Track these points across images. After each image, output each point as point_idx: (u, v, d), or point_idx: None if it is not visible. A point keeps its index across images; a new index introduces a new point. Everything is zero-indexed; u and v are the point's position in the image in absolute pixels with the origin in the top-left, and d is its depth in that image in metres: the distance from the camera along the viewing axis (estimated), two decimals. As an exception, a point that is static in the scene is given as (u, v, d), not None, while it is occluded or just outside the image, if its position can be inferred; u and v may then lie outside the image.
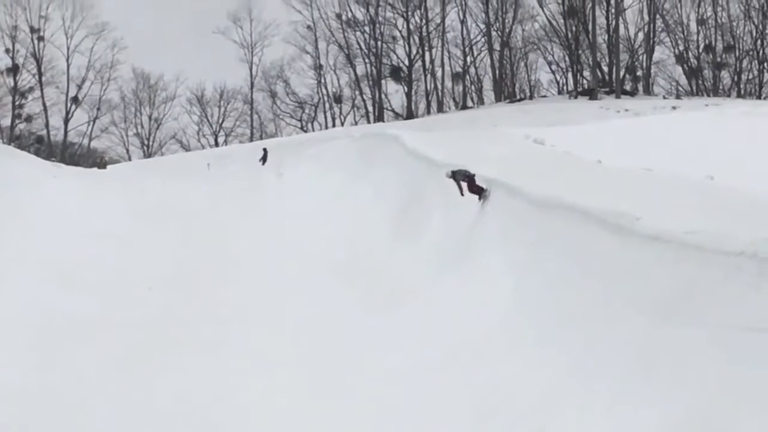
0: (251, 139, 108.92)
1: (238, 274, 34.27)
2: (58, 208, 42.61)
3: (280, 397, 20.94)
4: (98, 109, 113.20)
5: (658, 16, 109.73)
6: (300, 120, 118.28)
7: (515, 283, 23.13)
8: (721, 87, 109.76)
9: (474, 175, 29.07)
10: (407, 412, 18.97)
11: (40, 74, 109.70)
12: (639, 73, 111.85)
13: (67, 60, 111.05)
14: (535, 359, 18.92)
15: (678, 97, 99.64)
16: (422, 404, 19.10)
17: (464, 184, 29.20)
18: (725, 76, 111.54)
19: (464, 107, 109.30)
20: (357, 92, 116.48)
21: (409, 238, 32.78)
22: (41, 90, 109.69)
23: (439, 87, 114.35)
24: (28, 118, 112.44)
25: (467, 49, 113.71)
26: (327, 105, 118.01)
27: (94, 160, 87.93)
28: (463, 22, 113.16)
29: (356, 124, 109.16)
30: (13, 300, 28.65)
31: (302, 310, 28.69)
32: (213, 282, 33.26)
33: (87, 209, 44.09)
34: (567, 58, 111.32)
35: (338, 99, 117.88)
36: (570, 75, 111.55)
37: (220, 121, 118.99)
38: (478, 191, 28.95)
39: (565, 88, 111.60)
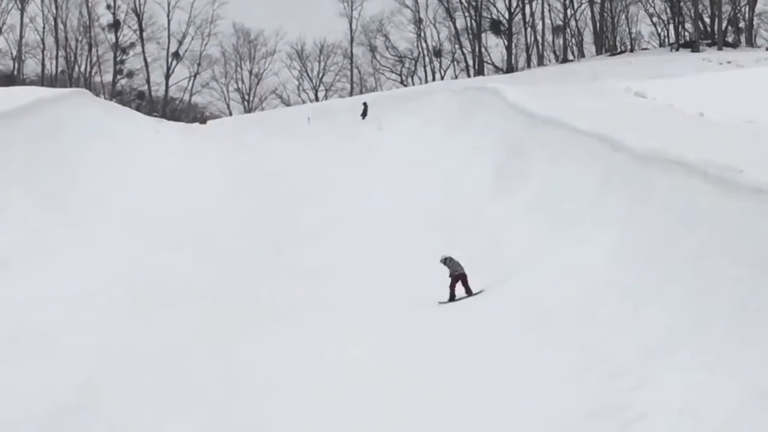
0: (351, 94, 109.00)
1: (337, 228, 34.66)
2: (160, 164, 43.35)
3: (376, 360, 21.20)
4: (199, 64, 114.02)
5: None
6: (400, 74, 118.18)
7: (617, 237, 23.10)
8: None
9: (465, 275, 25.62)
10: (511, 373, 19.08)
11: (141, 30, 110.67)
12: (741, 24, 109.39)
13: (168, 15, 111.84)
14: (636, 315, 18.96)
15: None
16: (526, 365, 19.21)
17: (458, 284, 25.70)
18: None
19: (564, 60, 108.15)
20: (457, 46, 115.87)
21: (508, 191, 32.80)
22: (142, 46, 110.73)
23: (539, 40, 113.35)
24: (130, 74, 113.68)
25: (567, 2, 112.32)
26: (426, 59, 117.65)
27: (195, 115, 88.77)
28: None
29: (456, 78, 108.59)
30: (114, 257, 29.33)
31: (397, 265, 29.08)
32: (314, 237, 33.69)
33: (188, 165, 44.80)
34: (668, 10, 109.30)
35: (438, 53, 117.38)
36: (671, 27, 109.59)
37: (320, 75, 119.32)
38: (467, 290, 25.55)
39: (666, 40, 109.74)
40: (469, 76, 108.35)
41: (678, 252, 19.63)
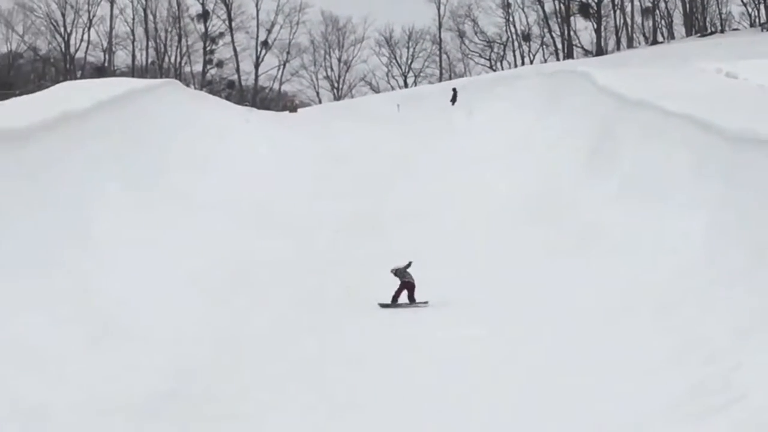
0: (440, 80, 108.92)
1: (428, 214, 34.73)
2: (249, 152, 43.71)
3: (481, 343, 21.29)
4: (288, 52, 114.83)
5: None
6: (488, 59, 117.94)
7: (707, 219, 22.90)
8: None
9: (414, 285, 25.11)
10: (612, 352, 19.03)
11: (230, 19, 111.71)
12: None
13: (257, 5, 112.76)
14: (729, 296, 18.78)
15: None
16: (624, 344, 19.16)
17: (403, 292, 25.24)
18: None
19: (654, 42, 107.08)
20: (545, 30, 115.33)
21: (600, 174, 32.61)
22: (231, 35, 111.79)
23: (629, 22, 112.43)
24: (219, 64, 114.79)
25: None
26: (515, 43, 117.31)
27: (285, 103, 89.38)
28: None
29: (545, 62, 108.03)
30: (214, 244, 29.70)
31: (487, 248, 29.13)
32: (406, 221, 33.81)
33: (278, 153, 45.10)
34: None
35: (527, 37, 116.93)
36: (762, 7, 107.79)
37: (409, 62, 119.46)
38: (410, 298, 25.16)
39: (757, 20, 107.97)
40: (558, 59, 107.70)
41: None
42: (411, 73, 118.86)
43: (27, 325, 19.42)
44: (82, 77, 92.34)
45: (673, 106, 30.47)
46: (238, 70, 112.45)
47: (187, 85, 77.33)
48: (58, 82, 61.98)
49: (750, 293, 18.05)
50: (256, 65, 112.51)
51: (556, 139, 40.23)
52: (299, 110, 71.46)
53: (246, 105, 73.88)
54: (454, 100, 60.35)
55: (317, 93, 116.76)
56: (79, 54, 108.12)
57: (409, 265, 25.51)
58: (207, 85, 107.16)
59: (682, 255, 22.52)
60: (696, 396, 15.35)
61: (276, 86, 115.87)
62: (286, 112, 68.21)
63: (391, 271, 25.45)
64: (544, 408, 16.79)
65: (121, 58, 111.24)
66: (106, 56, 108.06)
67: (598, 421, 15.81)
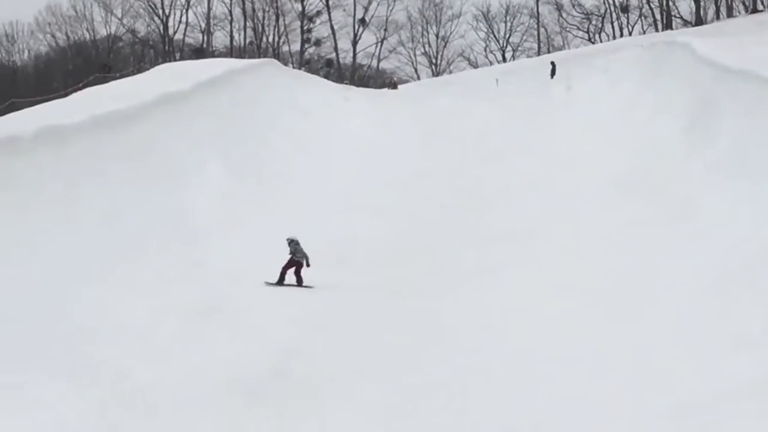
0: (538, 53, 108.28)
1: (527, 188, 34.64)
2: (349, 130, 43.92)
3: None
4: (385, 29, 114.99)
5: None
6: (587, 32, 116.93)
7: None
8: None
9: (302, 264, 24.34)
10: (720, 322, 18.90)
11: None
12: None
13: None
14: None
15: None
16: (713, 322, 19.01)
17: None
18: None
19: (754, 11, 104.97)
20: (644, 1, 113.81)
21: (699, 148, 32.15)
22: (328, 13, 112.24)
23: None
24: (317, 42, 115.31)
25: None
26: (614, 15, 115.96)
27: (384, 81, 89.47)
28: None
29: (644, 33, 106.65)
30: (316, 224, 29.88)
31: (585, 221, 29.02)
32: (506, 198, 33.76)
33: (377, 130, 45.24)
34: None
35: (625, 9, 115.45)
36: None
37: (507, 36, 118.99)
38: (298, 280, 24.50)
39: None
40: (656, 30, 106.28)
41: None
42: (509, 48, 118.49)
43: (132, 308, 19.82)
44: (181, 59, 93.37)
45: (773, 75, 29.93)
46: (335, 48, 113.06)
47: (285, 64, 77.73)
48: (157, 64, 62.77)
49: None
50: (354, 43, 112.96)
51: (654, 111, 39.73)
52: (400, 87, 71.48)
53: (345, 83, 74.13)
54: (552, 73, 59.97)
55: (415, 69, 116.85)
56: (178, 36, 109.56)
57: (297, 243, 24.65)
58: (305, 64, 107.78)
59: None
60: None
61: (374, 63, 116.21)
62: (386, 89, 68.34)
63: (287, 240, 24.71)
64: (641, 378, 16.82)
65: (220, 38, 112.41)
66: (205, 37, 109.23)
67: (696, 394, 15.76)
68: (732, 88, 32.50)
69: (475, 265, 26.10)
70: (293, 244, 24.55)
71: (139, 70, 53.75)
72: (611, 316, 20.80)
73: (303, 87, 48.68)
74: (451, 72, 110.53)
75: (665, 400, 15.74)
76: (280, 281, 24.19)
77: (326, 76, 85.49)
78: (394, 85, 70.06)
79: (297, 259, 24.41)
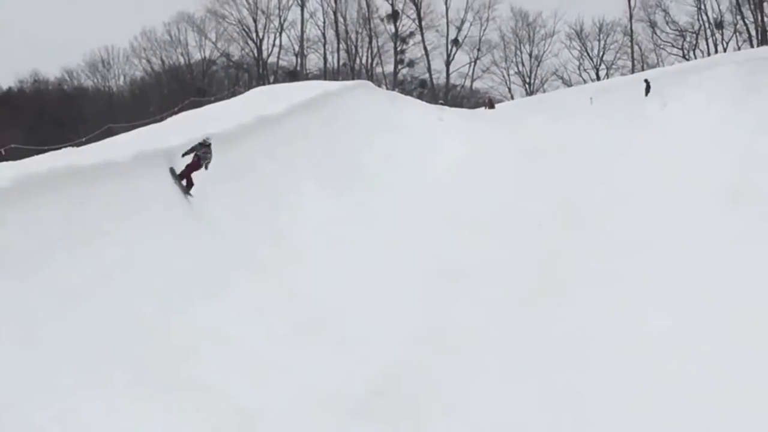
0: (632, 71, 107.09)
1: (626, 205, 34.46)
2: (444, 149, 43.93)
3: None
4: (478, 49, 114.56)
5: None
6: (681, 48, 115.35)
7: None
8: None
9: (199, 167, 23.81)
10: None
11: (420, 18, 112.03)
12: None
13: (446, 3, 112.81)
14: None
15: None
16: None
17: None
18: None
19: None
20: (738, 17, 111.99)
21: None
22: (422, 34, 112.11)
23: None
24: (410, 63, 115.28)
25: None
26: (708, 32, 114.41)
27: (477, 100, 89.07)
28: None
29: (738, 49, 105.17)
30: (412, 242, 30.01)
31: (687, 237, 28.87)
32: (608, 213, 33.65)
33: (472, 149, 45.20)
34: None
35: (719, 25, 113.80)
36: None
37: (600, 54, 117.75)
38: (188, 182, 24.06)
39: None
40: (752, 46, 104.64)
41: None
42: (602, 66, 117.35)
43: (237, 329, 20.10)
44: (275, 81, 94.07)
45: None
46: (429, 68, 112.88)
47: (379, 85, 78.04)
48: (251, 87, 63.46)
49: None
50: (447, 63, 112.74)
51: (751, 128, 39.26)
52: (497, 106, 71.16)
53: (439, 103, 74.09)
54: (647, 91, 59.38)
55: (509, 88, 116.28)
56: (272, 59, 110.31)
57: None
58: (399, 84, 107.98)
59: None
60: None
61: (467, 83, 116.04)
62: (482, 109, 68.11)
63: (199, 144, 24.25)
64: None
65: (313, 61, 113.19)
66: (298, 60, 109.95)
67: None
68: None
69: (588, 278, 26.10)
70: (202, 146, 24.16)
71: (234, 94, 54.36)
72: (724, 331, 20.80)
73: (397, 108, 48.88)
74: (545, 91, 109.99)
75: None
76: (182, 179, 23.95)
77: (420, 97, 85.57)
78: (491, 104, 69.57)
79: (202, 162, 24.01)
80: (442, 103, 75.27)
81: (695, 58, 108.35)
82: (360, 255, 27.58)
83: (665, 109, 52.37)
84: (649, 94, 58.67)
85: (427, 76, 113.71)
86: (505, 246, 30.20)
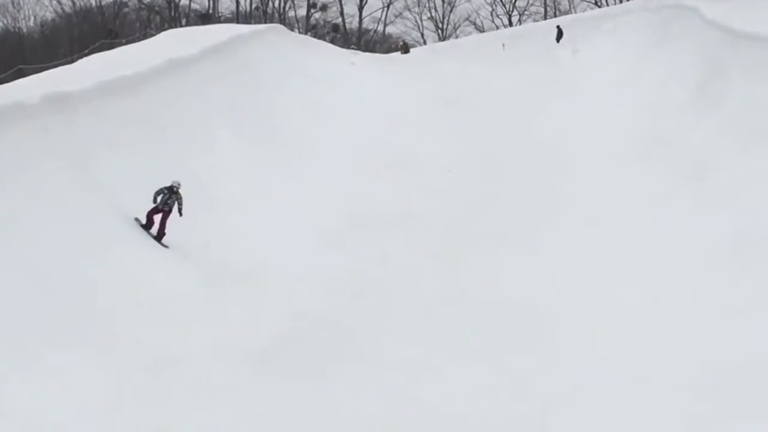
0: (545, 17, 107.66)
1: (537, 152, 34.66)
2: (357, 95, 43.71)
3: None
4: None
5: None
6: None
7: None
8: None
9: (168, 213, 22.28)
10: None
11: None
12: None
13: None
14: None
15: None
16: (726, 290, 19.14)
17: None
18: None
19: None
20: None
21: (707, 113, 32.13)
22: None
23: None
24: (323, 7, 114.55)
25: None
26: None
27: (390, 45, 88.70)
28: None
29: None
30: (327, 189, 29.90)
31: (593, 187, 29.11)
32: (514, 161, 33.76)
33: (385, 95, 45.05)
34: None
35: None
36: None
37: (514, 0, 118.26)
38: (159, 231, 22.36)
39: None
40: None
41: None
42: (515, 11, 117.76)
43: (153, 276, 19.89)
44: (187, 25, 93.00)
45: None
46: (342, 13, 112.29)
47: (292, 29, 77.39)
48: (163, 30, 62.52)
49: None
50: (360, 7, 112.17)
51: (662, 76, 39.63)
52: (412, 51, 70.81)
53: (351, 48, 73.67)
54: (559, 37, 59.64)
55: (422, 34, 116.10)
56: (184, 1, 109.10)
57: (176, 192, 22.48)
58: (311, 29, 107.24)
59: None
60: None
61: (380, 28, 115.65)
62: (397, 54, 67.79)
63: (167, 188, 22.54)
64: (652, 347, 17.02)
65: (225, 4, 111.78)
66: (210, 3, 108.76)
67: (710, 360, 15.92)
68: (741, 52, 32.44)
69: (496, 231, 26.23)
70: (164, 193, 22.42)
71: (145, 36, 53.51)
72: (620, 283, 21.06)
73: (310, 53, 48.46)
74: (457, 36, 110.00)
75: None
76: (148, 226, 22.33)
77: (332, 41, 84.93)
78: (406, 48, 69.12)
79: (160, 209, 22.37)
80: (354, 48, 74.88)
81: (607, 5, 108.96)
82: (274, 202, 27.43)
83: (577, 56, 52.73)
84: (561, 41, 58.98)
85: (339, 20, 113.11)
86: (423, 195, 30.19)
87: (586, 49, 52.95)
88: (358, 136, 37.10)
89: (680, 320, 18.53)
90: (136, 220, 22.33)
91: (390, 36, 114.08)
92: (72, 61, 34.92)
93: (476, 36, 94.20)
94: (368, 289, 21.85)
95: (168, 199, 22.27)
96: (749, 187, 24.33)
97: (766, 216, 21.96)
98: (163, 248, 21.84)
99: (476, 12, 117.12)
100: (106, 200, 21.93)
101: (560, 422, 15.30)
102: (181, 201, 22.35)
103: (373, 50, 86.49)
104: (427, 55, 64.99)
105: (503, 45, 61.80)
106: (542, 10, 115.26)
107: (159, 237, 22.21)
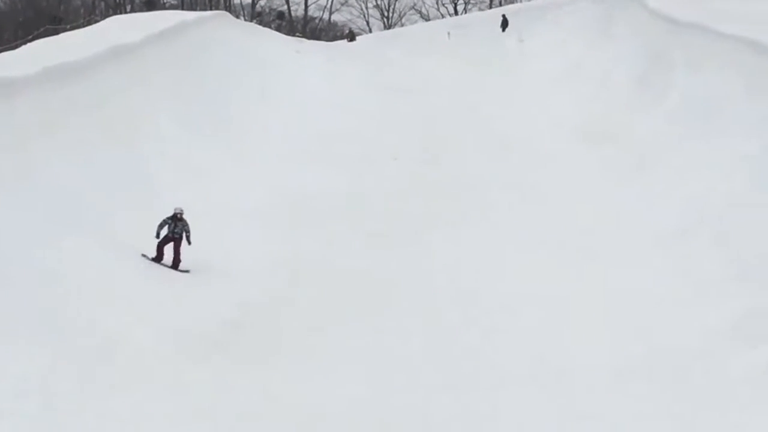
0: (490, 6, 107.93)
1: (483, 141, 34.77)
2: (302, 83, 43.60)
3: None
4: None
5: None
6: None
7: (762, 142, 22.87)
8: None
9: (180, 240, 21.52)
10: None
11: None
12: None
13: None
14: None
15: None
16: (674, 272, 19.37)
17: None
18: None
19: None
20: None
21: (651, 100, 32.46)
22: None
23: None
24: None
25: None
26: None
27: (336, 33, 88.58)
28: None
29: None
30: (272, 177, 29.81)
31: (542, 173, 29.30)
32: (460, 150, 33.84)
33: (331, 83, 44.93)
34: None
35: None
36: None
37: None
38: (175, 259, 21.59)
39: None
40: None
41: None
42: (461, 1, 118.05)
43: (94, 262, 19.78)
44: (132, 11, 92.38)
45: (726, 28, 30.12)
46: (287, 0, 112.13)
47: (237, 16, 77.11)
48: (107, 16, 62.06)
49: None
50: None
51: (607, 64, 39.99)
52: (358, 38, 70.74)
53: (297, 36, 73.48)
54: (504, 26, 59.89)
55: (367, 22, 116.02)
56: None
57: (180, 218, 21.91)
58: (256, 16, 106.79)
59: (735, 179, 22.56)
60: (754, 319, 15.62)
61: (326, 16, 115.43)
62: (344, 41, 67.70)
63: (171, 217, 21.94)
64: (600, 328, 17.22)
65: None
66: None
67: (656, 344, 16.12)
68: (683, 41, 32.80)
69: (440, 217, 26.27)
70: (169, 220, 21.84)
71: (90, 22, 53.01)
72: (567, 264, 21.27)
73: (255, 40, 48.24)
74: (403, 25, 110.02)
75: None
76: (158, 258, 21.70)
77: (278, 29, 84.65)
78: (352, 36, 69.15)
79: (171, 237, 21.81)
80: (300, 36, 74.71)
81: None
82: (220, 188, 27.36)
83: (523, 45, 53.01)
84: (506, 30, 59.23)
85: (285, 7, 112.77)
86: (357, 185, 30.11)
87: (532, 38, 53.27)
88: (304, 122, 36.99)
89: (623, 306, 18.69)
90: (144, 256, 21.60)
91: (335, 24, 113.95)
92: (16, 47, 34.57)
93: (422, 24, 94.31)
94: (310, 274, 21.87)
95: (174, 228, 21.82)
96: (693, 175, 24.61)
97: (711, 204, 22.21)
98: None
99: (422, 0, 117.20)
100: (48, 187, 21.76)
101: (492, 412, 15.32)
102: (188, 228, 21.88)
103: (318, 38, 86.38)
104: (374, 43, 65.00)
105: (449, 33, 61.95)
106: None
107: (175, 265, 21.75)
